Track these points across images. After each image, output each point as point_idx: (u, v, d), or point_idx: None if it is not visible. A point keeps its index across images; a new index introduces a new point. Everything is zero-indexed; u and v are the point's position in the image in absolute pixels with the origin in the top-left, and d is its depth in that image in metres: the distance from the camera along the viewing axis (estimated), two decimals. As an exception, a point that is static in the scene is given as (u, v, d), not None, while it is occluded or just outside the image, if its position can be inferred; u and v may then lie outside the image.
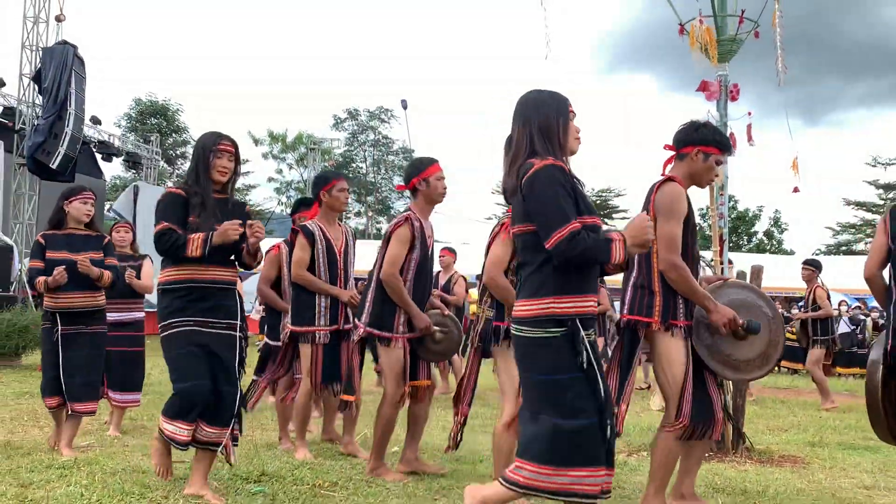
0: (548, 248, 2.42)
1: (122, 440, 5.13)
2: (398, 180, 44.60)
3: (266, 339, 5.45)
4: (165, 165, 35.99)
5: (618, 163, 63.30)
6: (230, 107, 61.44)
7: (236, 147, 3.60)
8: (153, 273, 6.20)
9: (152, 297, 4.29)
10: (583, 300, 2.49)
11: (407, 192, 4.18)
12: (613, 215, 40.57)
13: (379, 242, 4.23)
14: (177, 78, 60.71)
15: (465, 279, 8.59)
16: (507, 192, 2.65)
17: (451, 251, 8.62)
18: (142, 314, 5.61)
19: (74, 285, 4.47)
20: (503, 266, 3.50)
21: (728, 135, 6.55)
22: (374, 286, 4.03)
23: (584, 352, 2.44)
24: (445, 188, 4.13)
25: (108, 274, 4.56)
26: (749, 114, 5.64)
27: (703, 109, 5.81)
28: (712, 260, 5.47)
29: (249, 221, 3.45)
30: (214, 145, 3.52)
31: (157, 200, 3.51)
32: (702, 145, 3.29)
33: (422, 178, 4.09)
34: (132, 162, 21.66)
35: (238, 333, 3.54)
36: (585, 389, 2.44)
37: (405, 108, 24.05)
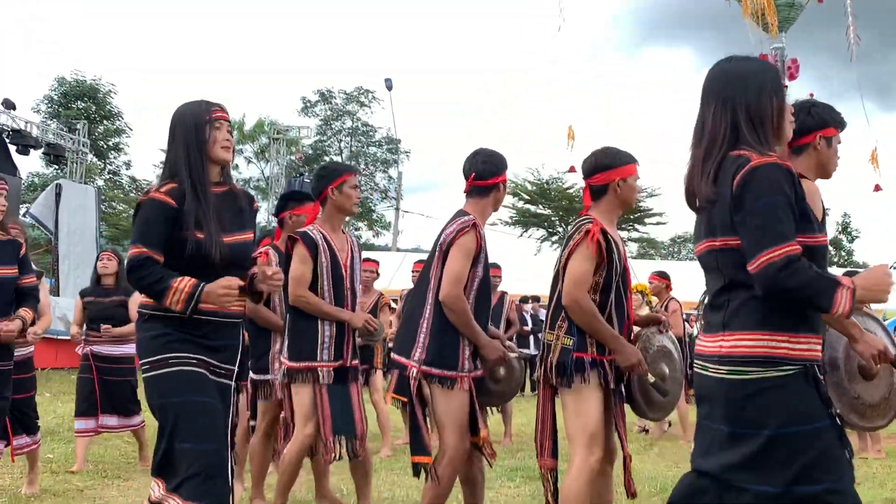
0: (751, 271, 2.28)
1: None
2: (381, 177, 44.75)
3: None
4: (95, 159, 35.97)
5: (651, 156, 63.47)
6: (173, 88, 61.39)
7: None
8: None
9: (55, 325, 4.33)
10: (816, 342, 2.39)
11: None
12: (646, 220, 40.70)
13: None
14: (108, 53, 60.87)
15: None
16: (697, 196, 2.49)
17: (497, 267, 8.45)
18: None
19: None
20: (587, 285, 3.53)
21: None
22: (429, 312, 3.84)
23: (828, 398, 2.35)
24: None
25: (17, 324, 4.51)
26: (811, 95, 5.67)
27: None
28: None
29: (265, 270, 3.19)
30: (208, 114, 3.17)
31: (136, 207, 3.15)
32: (821, 129, 3.18)
33: (499, 180, 4.01)
34: (54, 155, 21.68)
35: (234, 384, 3.25)
36: (837, 444, 2.35)
37: (390, 88, 24.13)
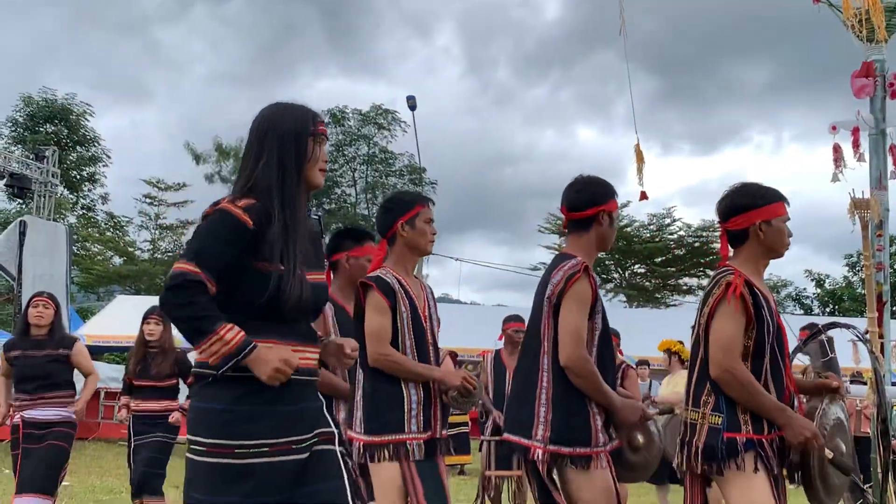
0: None
1: None
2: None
3: None
4: (66, 192, 36.49)
5: (718, 189, 63.06)
6: (159, 109, 62.33)
7: None
8: (87, 354, 6.87)
9: None
10: None
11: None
12: (717, 265, 40.36)
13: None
14: (82, 70, 61.99)
15: (634, 368, 8.59)
16: None
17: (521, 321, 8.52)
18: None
19: None
20: (739, 349, 3.49)
21: (888, 148, 6.56)
22: (547, 380, 3.78)
23: None
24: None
25: None
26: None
27: (848, 111, 5.81)
28: (867, 332, 5.42)
29: (343, 343, 3.08)
30: (313, 125, 2.99)
31: (203, 216, 2.92)
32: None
33: (600, 210, 4.03)
34: (18, 187, 21.95)
35: (340, 449, 3.02)
36: None
37: (413, 108, 24.29)
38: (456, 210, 69.68)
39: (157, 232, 42.55)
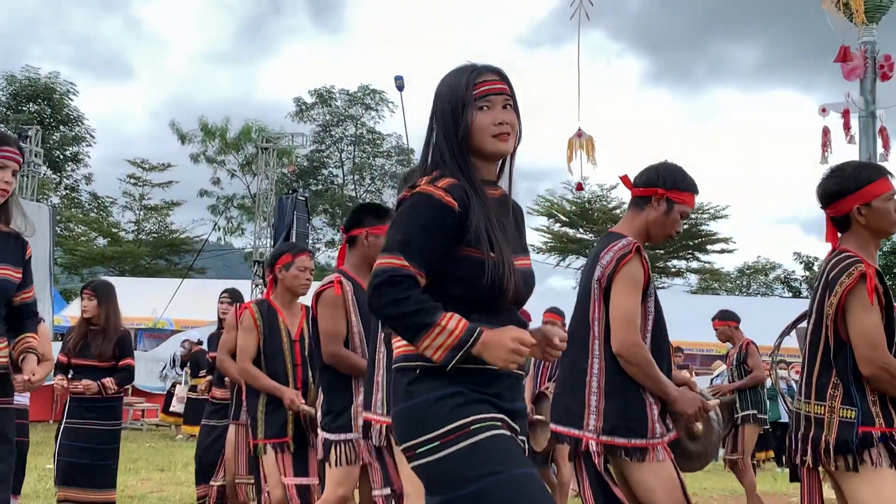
0: None
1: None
2: (390, 194, 44.85)
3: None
4: (49, 172, 36.33)
5: (711, 171, 63.39)
6: (142, 88, 62.02)
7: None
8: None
9: None
10: None
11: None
12: (708, 247, 40.55)
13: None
14: (63, 48, 61.56)
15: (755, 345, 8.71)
16: None
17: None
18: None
19: None
20: (884, 342, 3.35)
21: (878, 130, 6.57)
22: (598, 367, 3.64)
23: None
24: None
25: (43, 369, 4.21)
26: (911, 99, 5.65)
27: (838, 92, 5.81)
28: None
29: (555, 333, 2.66)
30: (468, 87, 2.69)
31: (398, 202, 2.67)
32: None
33: (653, 193, 3.80)
34: (1, 167, 21.86)
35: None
36: None
37: (401, 89, 24.24)
38: (444, 191, 69.53)
39: (141, 213, 42.44)
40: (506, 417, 2.58)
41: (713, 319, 8.91)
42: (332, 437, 4.58)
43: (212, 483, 7.11)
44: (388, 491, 4.25)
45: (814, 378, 3.48)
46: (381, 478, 4.30)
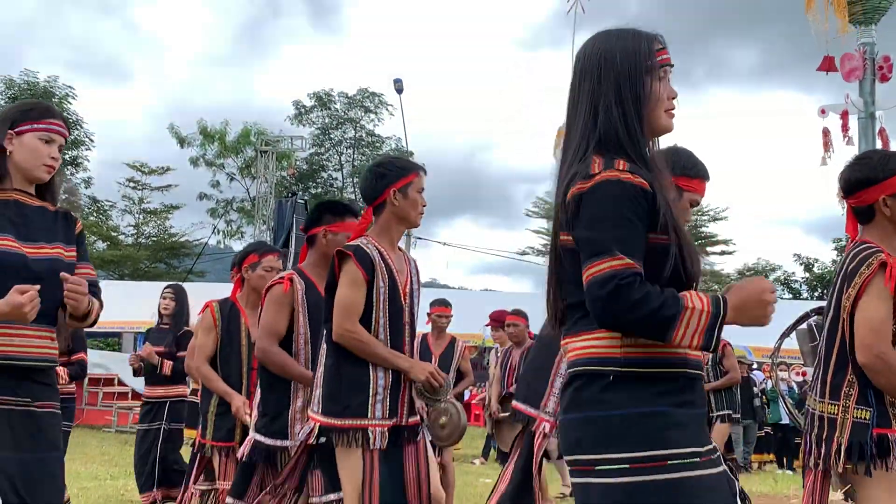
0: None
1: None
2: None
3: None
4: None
5: (711, 173, 63.33)
6: (141, 91, 62.06)
7: None
8: None
9: None
10: None
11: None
12: (708, 248, 40.57)
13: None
14: (61, 51, 61.60)
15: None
16: None
17: (447, 305, 8.66)
18: None
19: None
20: (890, 333, 3.20)
21: (878, 131, 6.57)
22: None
23: None
24: None
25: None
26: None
27: (838, 94, 5.82)
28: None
29: None
30: (650, 56, 2.45)
31: (577, 195, 2.34)
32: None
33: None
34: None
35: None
36: None
37: (400, 91, 24.27)
38: (444, 194, 69.69)
39: (140, 216, 42.39)
40: (704, 450, 2.32)
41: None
42: (268, 441, 4.44)
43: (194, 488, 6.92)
44: (332, 497, 4.13)
45: (829, 376, 3.33)
46: (321, 484, 4.19)
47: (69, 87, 38.17)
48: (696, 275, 2.40)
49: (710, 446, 2.34)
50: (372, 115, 44.44)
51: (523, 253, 36.39)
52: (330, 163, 45.08)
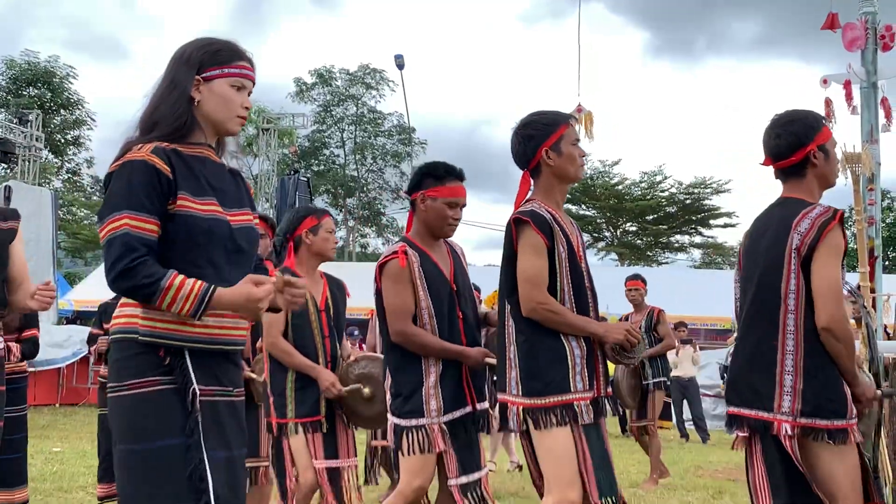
0: None
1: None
2: (392, 173, 44.78)
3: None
4: (51, 156, 36.30)
5: (714, 145, 63.20)
6: (142, 69, 61.93)
7: None
8: None
9: None
10: None
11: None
12: (711, 221, 40.49)
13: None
14: (59, 30, 61.40)
15: None
16: None
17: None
18: None
19: None
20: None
21: (880, 101, 6.55)
22: (793, 344, 3.44)
23: None
24: None
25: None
26: (913, 70, 5.63)
27: (839, 62, 5.79)
28: (859, 286, 5.44)
29: None
30: None
31: None
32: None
33: (809, 150, 3.59)
34: (2, 152, 21.85)
35: None
36: None
37: (401, 67, 24.18)
38: (446, 170, 69.31)
39: (144, 196, 42.35)
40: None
41: (626, 280, 9.25)
42: (402, 422, 4.20)
43: None
44: (464, 480, 4.11)
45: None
46: (455, 466, 4.13)
47: (70, 66, 38.06)
48: None
49: None
50: (374, 92, 44.40)
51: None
52: (332, 140, 45.02)
